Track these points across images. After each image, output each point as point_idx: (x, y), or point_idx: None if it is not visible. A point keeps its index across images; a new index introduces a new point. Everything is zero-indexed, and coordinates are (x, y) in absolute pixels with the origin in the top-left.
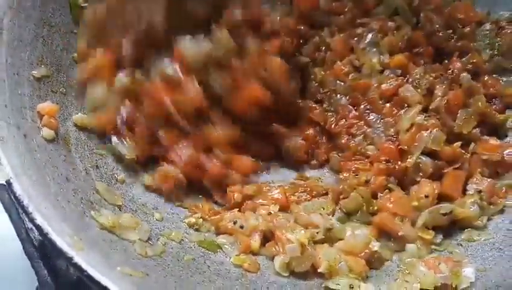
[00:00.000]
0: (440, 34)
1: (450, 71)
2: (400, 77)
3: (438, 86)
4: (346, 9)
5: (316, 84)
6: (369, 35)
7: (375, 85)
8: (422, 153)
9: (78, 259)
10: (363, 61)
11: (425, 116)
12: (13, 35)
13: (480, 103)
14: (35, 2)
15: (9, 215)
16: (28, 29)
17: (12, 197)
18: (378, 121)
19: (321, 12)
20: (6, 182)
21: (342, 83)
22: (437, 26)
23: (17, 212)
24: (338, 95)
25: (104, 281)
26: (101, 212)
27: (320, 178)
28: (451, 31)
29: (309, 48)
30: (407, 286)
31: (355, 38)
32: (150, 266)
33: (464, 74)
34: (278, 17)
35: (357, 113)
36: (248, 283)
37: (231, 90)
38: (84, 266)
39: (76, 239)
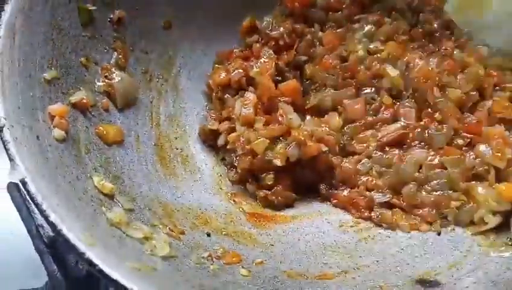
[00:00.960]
0: (437, 35)
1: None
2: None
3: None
4: (344, 6)
5: (307, 81)
6: (366, 27)
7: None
8: None
9: (90, 254)
10: (350, 48)
11: None
12: (25, 39)
13: (480, 70)
14: (45, 6)
15: (20, 213)
16: (39, 33)
17: (26, 195)
18: None
19: (318, 9)
20: (20, 181)
21: (333, 76)
22: (435, 26)
23: (28, 210)
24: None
25: (114, 275)
26: (111, 210)
27: None
28: (449, 32)
29: (304, 45)
30: None
31: (350, 33)
32: (158, 262)
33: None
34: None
35: None
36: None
37: None
38: (95, 260)
39: (87, 235)
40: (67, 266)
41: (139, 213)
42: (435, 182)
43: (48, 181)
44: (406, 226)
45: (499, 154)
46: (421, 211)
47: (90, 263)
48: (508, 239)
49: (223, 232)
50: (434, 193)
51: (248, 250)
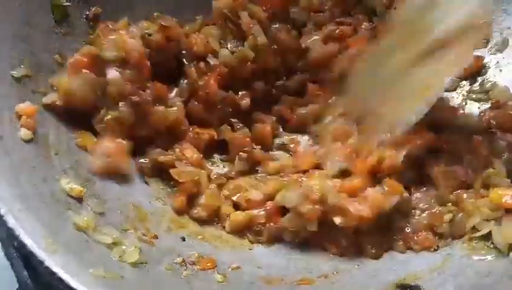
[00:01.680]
0: None
1: None
2: None
3: None
4: (326, 7)
5: None
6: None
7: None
8: None
9: (49, 261)
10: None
11: None
12: None
13: None
14: (15, 1)
15: None
16: (7, 28)
17: None
18: None
19: (299, 10)
20: None
21: None
22: None
23: None
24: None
25: (73, 283)
26: (79, 214)
27: None
28: None
29: None
30: None
31: None
32: (127, 268)
33: None
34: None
35: None
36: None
37: None
38: (54, 268)
39: (50, 241)
40: (38, 272)
41: (109, 217)
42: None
43: (10, 183)
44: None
45: None
46: (416, 237)
47: (50, 271)
48: (490, 242)
49: (199, 237)
50: (423, 214)
51: (225, 255)
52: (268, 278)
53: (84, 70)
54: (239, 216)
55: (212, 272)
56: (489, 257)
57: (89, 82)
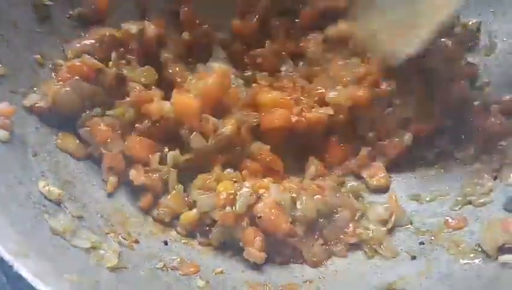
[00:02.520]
0: None
1: None
2: None
3: None
4: None
5: None
6: None
7: None
8: None
9: (19, 266)
10: None
11: None
12: None
13: None
14: None
15: None
16: None
17: None
18: None
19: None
20: None
21: None
22: None
23: None
24: None
25: (45, 289)
26: (56, 217)
27: None
28: None
29: None
30: None
31: None
32: (104, 273)
33: None
34: None
35: None
36: None
37: None
38: (25, 273)
39: (22, 244)
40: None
41: (89, 220)
42: None
43: None
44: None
45: None
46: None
47: (19, 277)
48: (477, 245)
49: (183, 241)
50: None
51: (208, 259)
52: (252, 283)
53: (76, 78)
54: (190, 214)
55: (195, 277)
56: (477, 261)
57: (79, 91)
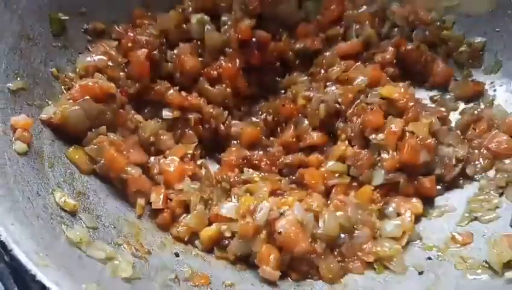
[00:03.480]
0: None
1: None
2: None
3: None
4: None
5: None
6: None
7: None
8: None
9: (41, 276)
10: None
11: None
12: None
13: None
14: (13, 15)
15: None
16: (5, 42)
17: None
18: None
19: None
20: None
21: None
22: None
23: None
24: None
25: None
26: (72, 228)
27: None
28: None
29: None
30: None
31: None
32: (120, 284)
33: None
34: None
35: None
36: None
37: None
38: (47, 283)
39: (42, 255)
40: (28, 287)
41: (103, 232)
42: None
43: (3, 197)
44: None
45: None
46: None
47: (42, 286)
48: (484, 262)
49: (193, 253)
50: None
51: (218, 271)
52: None
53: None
54: (210, 230)
55: (206, 288)
56: (484, 277)
57: (88, 111)
